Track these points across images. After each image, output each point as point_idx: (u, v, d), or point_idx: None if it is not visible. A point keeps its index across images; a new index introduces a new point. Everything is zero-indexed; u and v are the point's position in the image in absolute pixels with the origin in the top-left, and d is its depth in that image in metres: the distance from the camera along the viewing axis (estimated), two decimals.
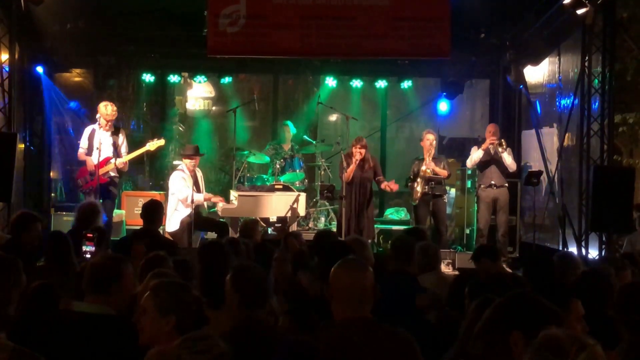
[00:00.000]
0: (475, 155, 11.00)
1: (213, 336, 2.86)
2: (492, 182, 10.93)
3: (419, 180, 10.78)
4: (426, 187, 10.74)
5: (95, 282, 3.79)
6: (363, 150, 10.45)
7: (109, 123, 10.28)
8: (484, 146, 10.93)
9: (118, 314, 3.77)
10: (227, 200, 11.05)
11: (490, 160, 10.93)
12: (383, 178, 10.81)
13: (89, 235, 6.12)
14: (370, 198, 10.73)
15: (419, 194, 10.79)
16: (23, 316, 4.05)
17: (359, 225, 10.50)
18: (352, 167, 10.42)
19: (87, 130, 10.40)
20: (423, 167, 10.73)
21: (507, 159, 10.90)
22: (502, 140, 10.94)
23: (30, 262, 6.00)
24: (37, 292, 4.28)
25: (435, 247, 6.69)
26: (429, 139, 10.88)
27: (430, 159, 10.81)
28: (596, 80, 10.49)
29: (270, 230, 10.93)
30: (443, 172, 10.88)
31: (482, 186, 11.04)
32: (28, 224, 6.44)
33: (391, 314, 3.80)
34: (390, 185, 10.72)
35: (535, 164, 12.04)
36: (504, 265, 8.79)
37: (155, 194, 11.85)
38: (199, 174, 10.51)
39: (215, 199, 10.77)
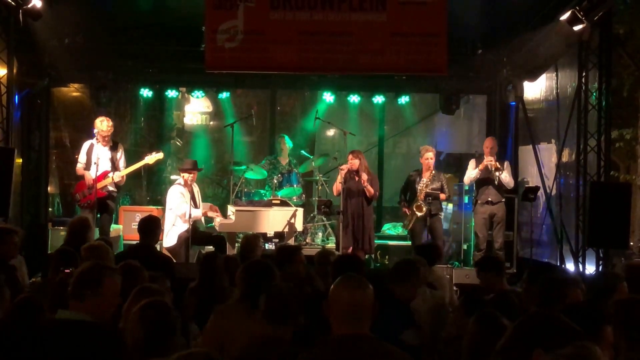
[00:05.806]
0: (473, 173, 10.98)
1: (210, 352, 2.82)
2: (489, 199, 10.93)
3: (413, 208, 10.69)
4: (423, 205, 10.66)
5: (73, 290, 3.84)
6: (356, 161, 10.42)
7: (106, 138, 10.31)
8: (481, 166, 10.89)
9: (96, 320, 3.78)
10: (224, 214, 11.03)
11: (488, 177, 10.92)
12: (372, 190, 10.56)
13: (66, 271, 5.75)
14: (369, 211, 10.68)
15: (412, 221, 10.74)
16: (6, 329, 4.10)
17: (356, 237, 10.47)
18: (339, 177, 10.42)
19: (85, 145, 10.42)
20: (418, 203, 10.65)
21: (505, 177, 10.89)
22: (500, 166, 10.89)
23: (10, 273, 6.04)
24: (20, 305, 4.31)
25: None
26: (428, 157, 10.81)
27: (430, 175, 10.77)
28: (593, 96, 10.52)
29: (267, 246, 10.90)
30: (442, 196, 10.81)
31: (479, 202, 11.03)
32: (3, 237, 6.50)
33: None
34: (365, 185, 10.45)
35: (533, 180, 12.06)
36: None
37: (153, 209, 11.84)
38: (196, 189, 10.49)
39: (212, 213, 10.75)
